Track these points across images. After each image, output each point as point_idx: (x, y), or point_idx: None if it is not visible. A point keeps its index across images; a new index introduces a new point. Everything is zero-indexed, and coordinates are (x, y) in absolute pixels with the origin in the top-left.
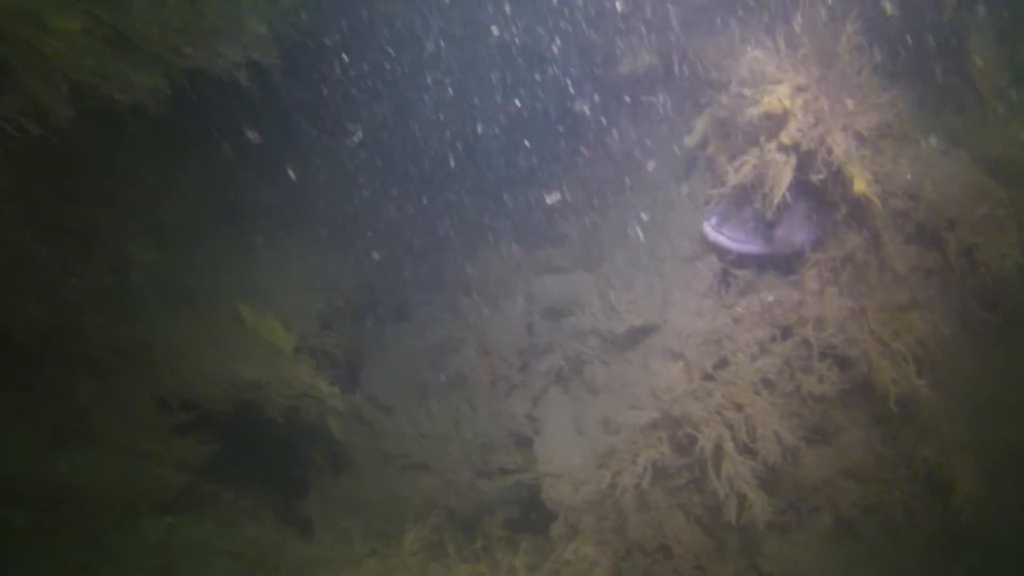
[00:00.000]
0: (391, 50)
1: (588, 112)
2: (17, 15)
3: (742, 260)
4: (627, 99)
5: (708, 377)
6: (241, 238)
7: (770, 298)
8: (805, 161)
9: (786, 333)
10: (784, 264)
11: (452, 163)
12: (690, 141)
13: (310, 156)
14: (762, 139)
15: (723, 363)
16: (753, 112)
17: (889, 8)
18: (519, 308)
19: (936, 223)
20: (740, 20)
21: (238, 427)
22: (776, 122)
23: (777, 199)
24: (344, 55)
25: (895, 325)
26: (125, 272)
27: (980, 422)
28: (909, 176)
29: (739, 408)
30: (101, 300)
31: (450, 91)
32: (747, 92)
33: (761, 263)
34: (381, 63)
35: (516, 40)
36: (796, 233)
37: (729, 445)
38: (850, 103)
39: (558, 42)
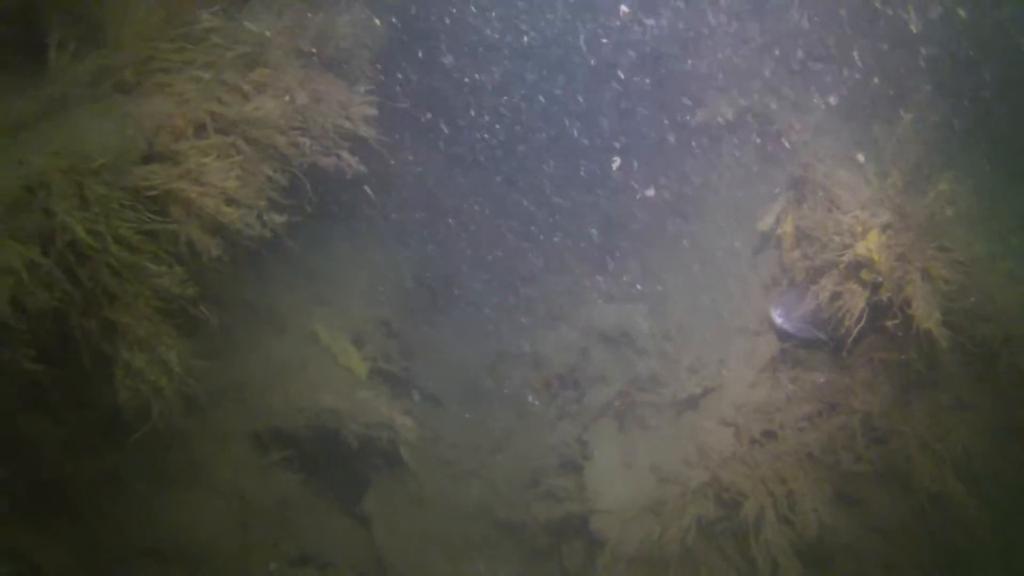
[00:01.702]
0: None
1: (659, 156)
2: (183, 177)
3: (800, 341)
4: (700, 148)
5: (756, 445)
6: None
7: (821, 379)
8: (882, 305)
9: (832, 412)
10: (838, 345)
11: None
12: (762, 226)
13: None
14: (843, 269)
15: (771, 435)
16: (841, 258)
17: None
18: (576, 331)
19: (992, 339)
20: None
21: (314, 444)
22: (860, 263)
23: (849, 325)
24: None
25: (939, 427)
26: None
27: (1010, 520)
28: (973, 299)
29: (783, 482)
30: (203, 345)
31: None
32: (836, 238)
33: (817, 345)
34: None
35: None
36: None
37: (771, 515)
38: (931, 247)
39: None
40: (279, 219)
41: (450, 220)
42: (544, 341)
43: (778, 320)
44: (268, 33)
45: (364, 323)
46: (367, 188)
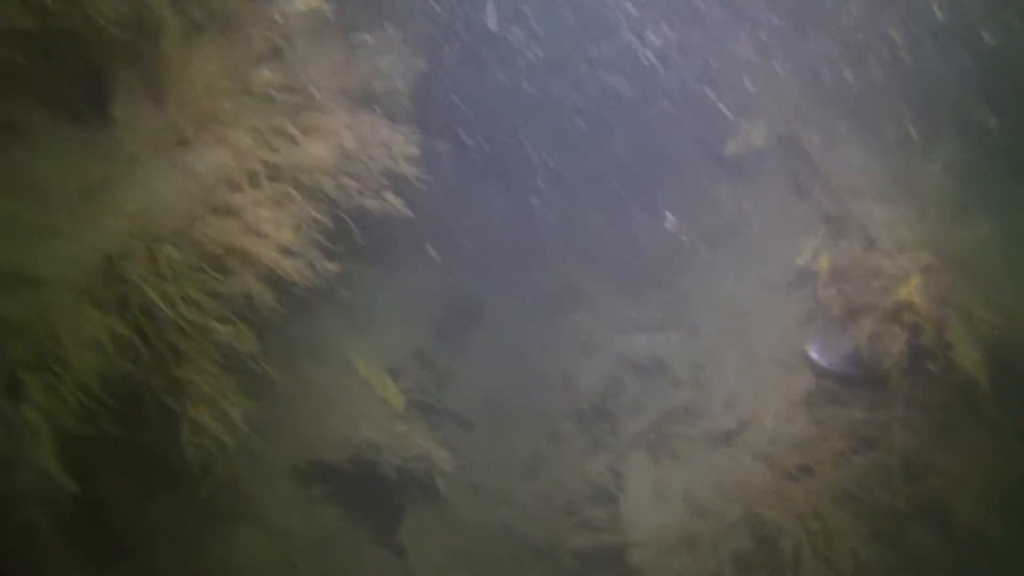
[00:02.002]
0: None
1: (691, 185)
2: (245, 232)
3: (836, 377)
4: (733, 178)
5: (792, 480)
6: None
7: (858, 416)
8: (923, 346)
9: (869, 448)
10: (874, 382)
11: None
12: (800, 262)
13: None
14: (883, 312)
15: (807, 470)
16: (882, 301)
17: None
18: (608, 360)
19: None
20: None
21: (353, 477)
22: (900, 306)
23: (889, 366)
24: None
25: (978, 465)
26: None
27: None
28: (1014, 338)
29: (820, 518)
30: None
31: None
32: (877, 281)
33: (853, 382)
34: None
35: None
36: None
37: (807, 552)
38: (971, 288)
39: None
40: (332, 267)
41: (482, 247)
42: (576, 369)
43: (814, 356)
44: (316, 91)
45: (399, 353)
46: (431, 249)
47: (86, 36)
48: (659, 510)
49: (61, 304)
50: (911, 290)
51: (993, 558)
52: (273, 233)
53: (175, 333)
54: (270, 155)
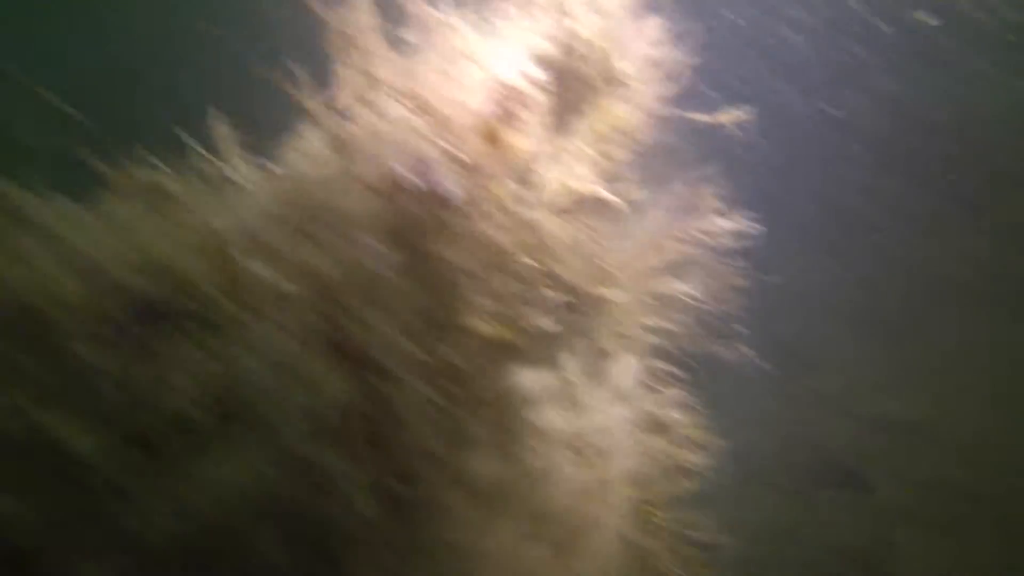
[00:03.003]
0: None
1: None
2: (670, 441)
3: None
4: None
5: None
6: None
7: None
8: None
9: None
10: None
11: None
12: None
13: None
14: None
15: None
16: None
17: None
18: (856, 418)
19: None
20: None
21: None
22: None
23: None
24: None
25: None
26: None
27: None
28: None
29: None
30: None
31: None
32: None
33: None
34: None
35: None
36: None
37: None
38: None
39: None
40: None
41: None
42: (823, 430)
43: None
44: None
45: None
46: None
47: None
48: None
49: None
50: None
51: None
52: (687, 431)
53: None
54: (656, 340)
